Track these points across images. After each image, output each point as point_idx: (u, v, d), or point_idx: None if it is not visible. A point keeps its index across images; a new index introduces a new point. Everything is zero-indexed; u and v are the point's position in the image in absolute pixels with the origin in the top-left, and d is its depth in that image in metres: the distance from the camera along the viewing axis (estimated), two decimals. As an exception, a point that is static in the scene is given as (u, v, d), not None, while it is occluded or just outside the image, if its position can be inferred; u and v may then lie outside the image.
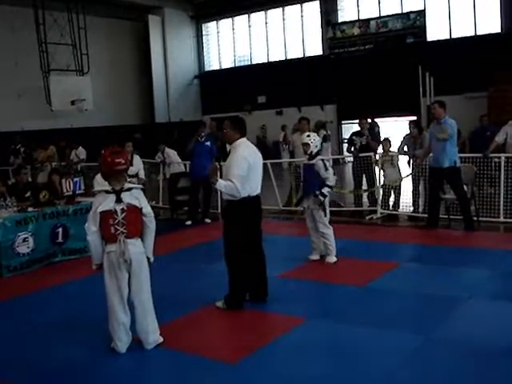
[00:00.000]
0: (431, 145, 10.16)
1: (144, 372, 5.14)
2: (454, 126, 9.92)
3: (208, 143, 12.02)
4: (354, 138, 12.61)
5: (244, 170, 6.17)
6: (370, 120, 12.80)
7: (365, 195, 12.53)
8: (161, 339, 5.53)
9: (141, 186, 5.85)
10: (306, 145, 8.19)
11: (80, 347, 5.63)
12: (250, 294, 6.64)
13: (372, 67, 23.77)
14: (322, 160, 8.21)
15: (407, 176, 11.84)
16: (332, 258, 8.22)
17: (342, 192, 13.11)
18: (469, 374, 4.65)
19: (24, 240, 8.74)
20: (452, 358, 4.94)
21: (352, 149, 12.50)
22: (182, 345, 5.54)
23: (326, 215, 8.16)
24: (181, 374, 4.96)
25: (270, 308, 6.47)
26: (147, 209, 5.43)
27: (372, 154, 11.92)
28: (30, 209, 9.15)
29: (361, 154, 12.14)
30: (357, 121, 13.50)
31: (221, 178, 6.37)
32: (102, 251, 5.38)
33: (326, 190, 8.10)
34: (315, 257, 8.40)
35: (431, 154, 10.23)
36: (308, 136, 8.33)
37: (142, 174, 11.91)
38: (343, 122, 26.11)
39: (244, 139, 6.45)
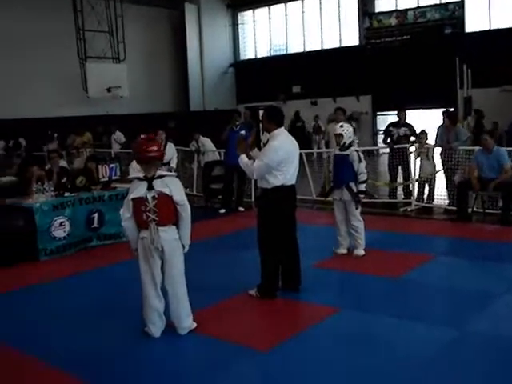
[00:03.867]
0: (481, 169, 10.12)
1: (176, 357, 5.18)
2: (506, 153, 10.02)
3: (243, 132, 12.02)
4: (391, 128, 12.39)
5: (273, 160, 6.17)
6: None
7: (400, 187, 12.40)
8: (194, 325, 5.57)
9: (174, 173, 5.82)
10: (339, 135, 8.02)
11: (114, 331, 5.71)
12: (283, 283, 6.64)
13: (409, 58, 23.51)
14: (357, 151, 8.06)
15: (442, 170, 11.65)
16: (360, 251, 8.09)
17: (376, 184, 13.02)
18: (505, 369, 4.59)
19: (60, 224, 8.85)
20: (487, 353, 4.90)
21: (388, 140, 12.37)
22: (214, 331, 5.56)
23: (357, 208, 8.03)
24: (212, 360, 4.98)
25: (303, 297, 6.45)
26: (179, 197, 5.39)
27: (408, 145, 11.77)
28: (66, 194, 9.27)
29: (396, 146, 12.02)
30: (392, 112, 13.39)
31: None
32: (138, 237, 5.44)
33: (363, 187, 8.01)
34: (343, 251, 8.21)
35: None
36: (341, 126, 8.16)
37: (173, 163, 12.02)
38: (378, 112, 25.93)
39: (281, 129, 6.43)
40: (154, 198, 5.29)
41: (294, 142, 6.59)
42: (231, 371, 4.74)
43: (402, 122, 12.33)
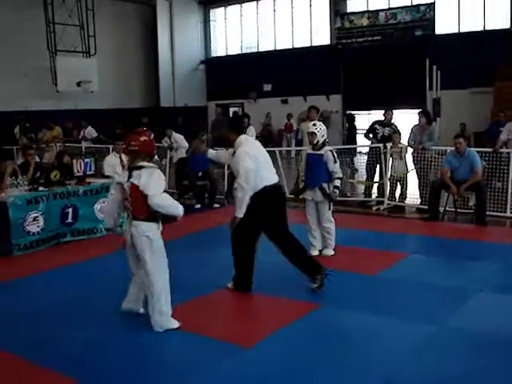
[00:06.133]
0: (453, 172, 10.15)
1: (160, 354, 5.15)
2: (477, 156, 10.08)
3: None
4: (376, 126, 12.32)
5: (250, 163, 6.15)
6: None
7: (375, 186, 12.50)
8: (176, 324, 5.47)
9: (154, 165, 5.66)
10: (312, 134, 7.85)
11: (91, 327, 5.65)
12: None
13: (379, 59, 23.68)
14: (331, 151, 7.89)
15: (413, 169, 11.78)
16: (330, 251, 8.05)
17: (353, 182, 13.12)
18: (482, 364, 4.69)
19: (34, 219, 8.75)
20: (465, 348, 5.00)
21: (371, 136, 12.28)
22: (196, 327, 5.54)
23: (330, 208, 7.96)
24: (195, 357, 4.96)
25: (283, 293, 6.45)
26: (146, 188, 5.23)
27: (382, 145, 11.83)
28: (40, 188, 9.17)
29: (373, 145, 12.08)
30: (361, 112, 13.42)
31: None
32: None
33: (338, 183, 7.91)
34: (315, 253, 8.01)
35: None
36: (314, 125, 7.98)
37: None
38: (348, 112, 26.08)
39: (244, 136, 6.51)
40: (128, 187, 5.37)
41: (259, 145, 6.71)
42: (215, 368, 4.73)
43: (387, 122, 12.35)
